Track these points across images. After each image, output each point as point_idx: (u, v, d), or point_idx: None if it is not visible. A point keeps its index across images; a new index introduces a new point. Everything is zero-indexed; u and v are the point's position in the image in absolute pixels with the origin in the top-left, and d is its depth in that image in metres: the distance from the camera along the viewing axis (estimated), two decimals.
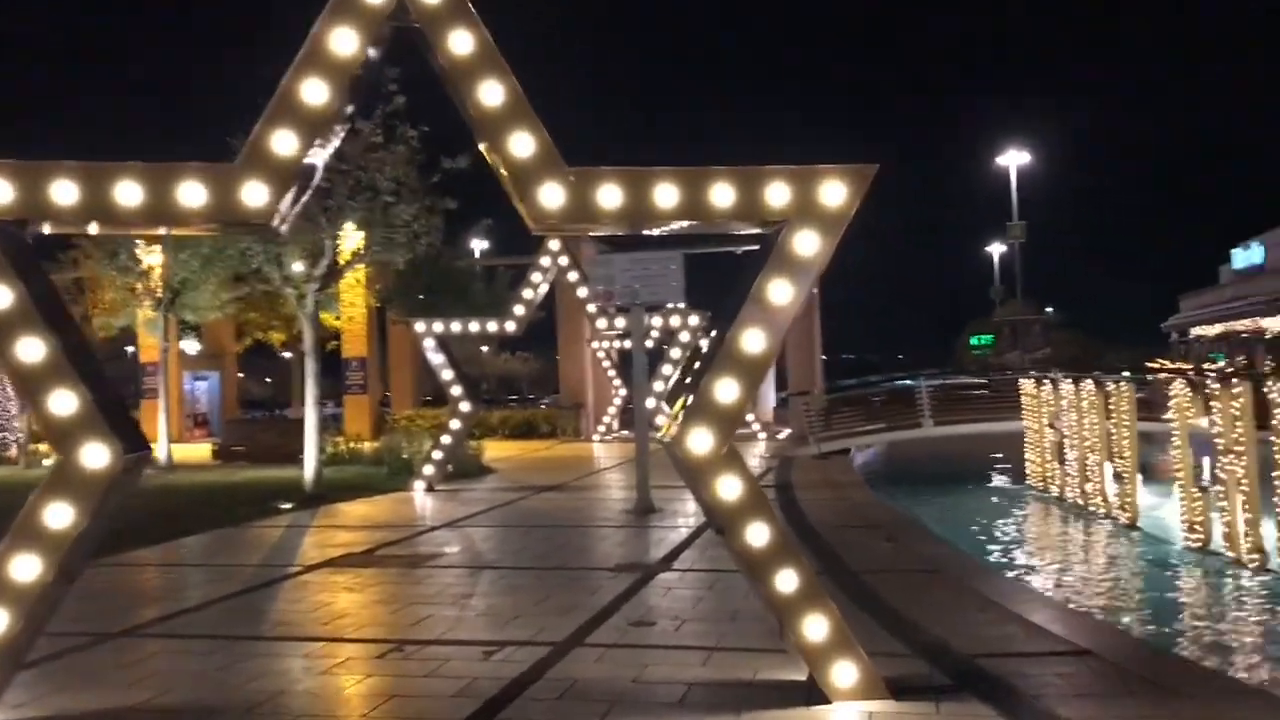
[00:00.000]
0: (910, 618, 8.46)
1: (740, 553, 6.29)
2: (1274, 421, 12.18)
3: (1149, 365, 48.40)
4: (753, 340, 6.16)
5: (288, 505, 16.15)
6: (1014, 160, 64.75)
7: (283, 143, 5.91)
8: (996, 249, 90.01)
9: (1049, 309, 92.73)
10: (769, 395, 35.26)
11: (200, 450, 28.20)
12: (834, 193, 6.17)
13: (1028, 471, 22.61)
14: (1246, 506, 12.98)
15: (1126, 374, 26.71)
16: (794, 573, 6.25)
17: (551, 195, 6.06)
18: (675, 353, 18.87)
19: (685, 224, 6.33)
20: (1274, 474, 12.26)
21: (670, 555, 11.77)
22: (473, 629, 8.23)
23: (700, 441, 6.10)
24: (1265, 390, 12.41)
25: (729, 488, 6.19)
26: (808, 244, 6.17)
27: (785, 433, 32.09)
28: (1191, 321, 53.20)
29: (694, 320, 18.97)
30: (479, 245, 38.62)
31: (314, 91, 5.95)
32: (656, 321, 19.61)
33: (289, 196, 6.03)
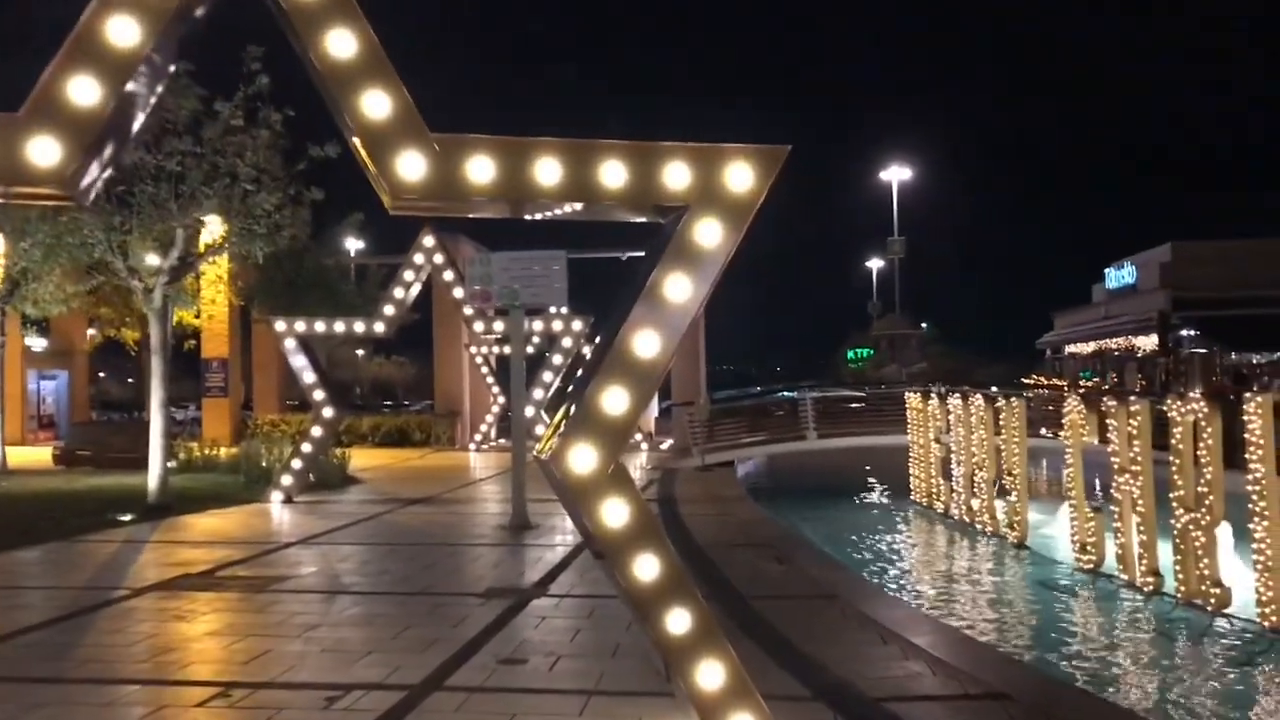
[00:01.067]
0: (808, 652, 7.71)
1: (626, 588, 5.41)
2: (1173, 441, 11.82)
3: (1025, 381, 49.11)
4: (646, 343, 5.29)
5: (127, 517, 14.76)
6: (895, 175, 65.55)
7: (81, 90, 4.84)
8: (875, 264, 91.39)
9: (923, 325, 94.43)
10: (652, 405, 34.53)
11: (41, 454, 26.23)
12: (741, 176, 5.34)
13: (912, 487, 22.25)
14: (1142, 528, 12.60)
15: (1016, 388, 26.71)
16: (687, 612, 5.40)
17: (412, 166, 5.11)
18: (557, 359, 17.93)
19: (571, 208, 5.46)
20: (1171, 495, 11.88)
21: (546, 578, 10.85)
22: (316, 668, 7.19)
23: (583, 459, 5.21)
24: (1165, 409, 12.06)
25: (615, 513, 5.30)
26: (710, 234, 5.33)
27: (668, 443, 31.42)
28: (1065, 339, 54.21)
29: (577, 325, 18.06)
30: (352, 243, 37.08)
31: (122, 30, 4.89)
32: (537, 326, 18.64)
33: (91, 159, 4.96)
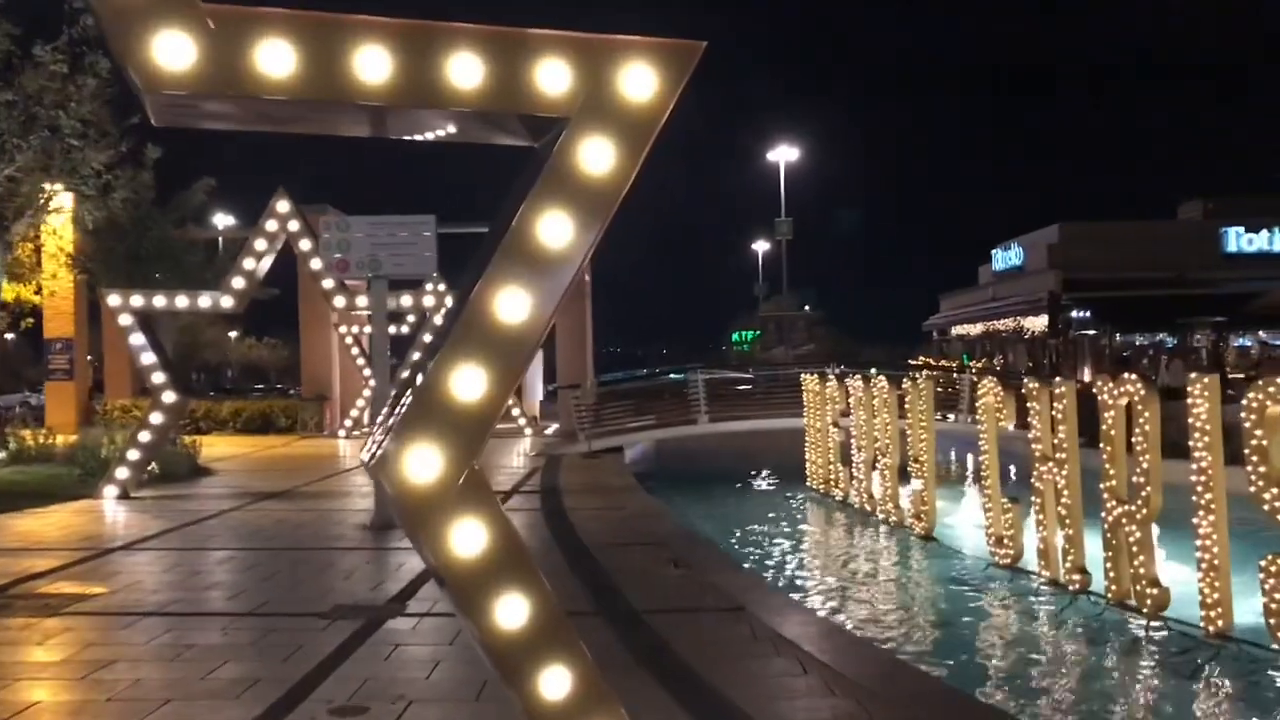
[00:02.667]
0: (717, 685, 6.38)
1: (481, 639, 3.95)
2: (1104, 427, 10.80)
3: (911, 363, 48.81)
4: (511, 306, 3.82)
5: None
6: (783, 156, 64.83)
7: None
8: (762, 246, 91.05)
9: (806, 307, 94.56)
10: (536, 386, 33.02)
11: None
12: (640, 80, 3.89)
13: (808, 473, 21.15)
14: (1067, 521, 11.58)
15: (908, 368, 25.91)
16: (568, 671, 3.99)
17: (174, 49, 3.54)
18: (430, 338, 16.31)
19: (406, 118, 4.00)
20: (1101, 485, 10.86)
21: (406, 591, 9.35)
22: None
23: (421, 465, 3.73)
24: (1096, 392, 11.02)
25: (467, 539, 3.83)
26: (598, 157, 3.88)
27: (553, 428, 29.97)
28: (952, 320, 54.13)
29: (453, 300, 16.46)
30: (221, 218, 34.69)
31: None
32: (407, 301, 16.98)
33: None
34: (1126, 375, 10.69)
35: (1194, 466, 9.68)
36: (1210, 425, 9.53)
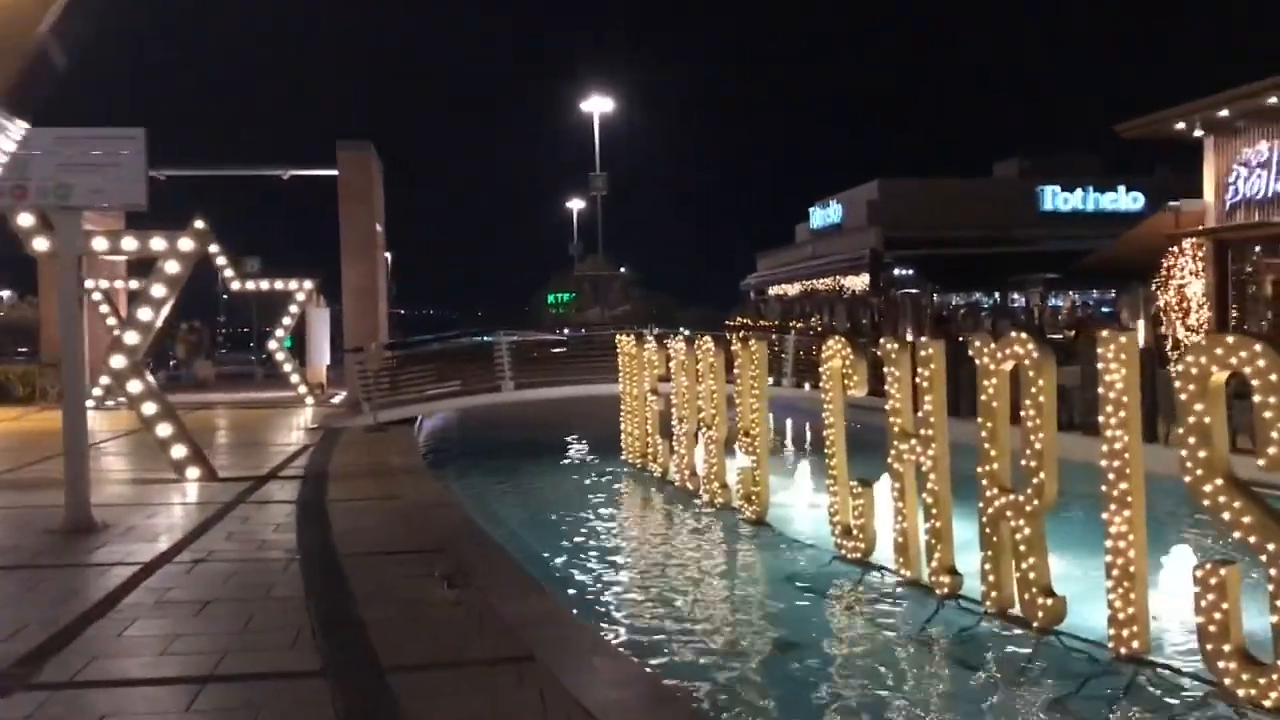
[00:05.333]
0: None
1: None
2: (983, 397, 8.75)
3: (729, 324, 47.27)
4: None
5: None
6: (598, 106, 62.35)
7: None
8: (577, 204, 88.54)
9: (623, 268, 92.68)
10: (323, 348, 29.71)
11: None
12: None
13: (623, 445, 18.84)
14: (934, 511, 9.53)
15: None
16: None
17: None
18: (158, 290, 13.18)
19: None
20: (979, 469, 8.83)
21: (59, 639, 6.56)
22: None
23: None
24: (971, 354, 8.94)
25: None
26: None
27: (340, 397, 26.90)
28: (770, 280, 52.81)
29: (186, 244, 13.30)
30: None
31: None
32: (130, 244, 13.79)
33: None
34: (1015, 334, 8.60)
35: (1104, 449, 7.64)
36: (1128, 397, 7.50)
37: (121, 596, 7.98)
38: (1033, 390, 8.26)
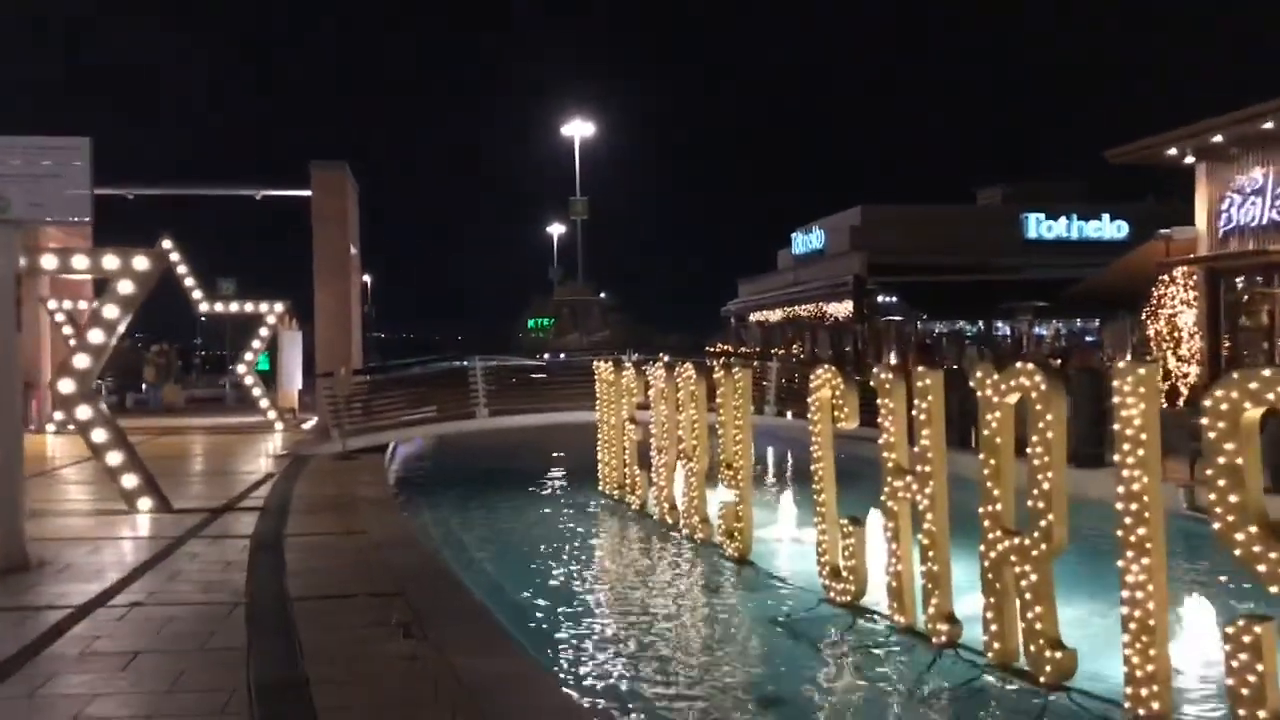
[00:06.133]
0: None
1: None
2: (985, 431, 8.09)
3: (710, 350, 46.67)
4: None
5: None
6: (578, 131, 61.90)
7: None
8: (557, 229, 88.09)
9: (603, 294, 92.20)
10: (294, 373, 28.94)
11: None
12: None
13: (601, 476, 18.16)
14: (931, 554, 8.88)
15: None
16: None
17: None
18: (110, 310, 12.44)
19: None
20: (981, 510, 8.19)
21: None
22: None
23: None
24: (972, 385, 8.31)
25: None
26: None
27: (311, 423, 26.12)
28: (751, 306, 52.24)
29: (142, 263, 12.57)
30: None
31: None
32: (81, 263, 13.06)
33: None
34: (1021, 364, 7.98)
35: (1120, 490, 7.02)
36: (1147, 434, 6.88)
37: (44, 646, 7.25)
38: (1041, 425, 7.64)
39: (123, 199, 25.78)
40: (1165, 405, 18.28)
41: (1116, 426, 7.05)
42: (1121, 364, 7.10)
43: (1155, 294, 22.39)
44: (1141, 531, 6.91)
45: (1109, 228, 40.86)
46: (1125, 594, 7.01)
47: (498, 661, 6.97)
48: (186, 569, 10.04)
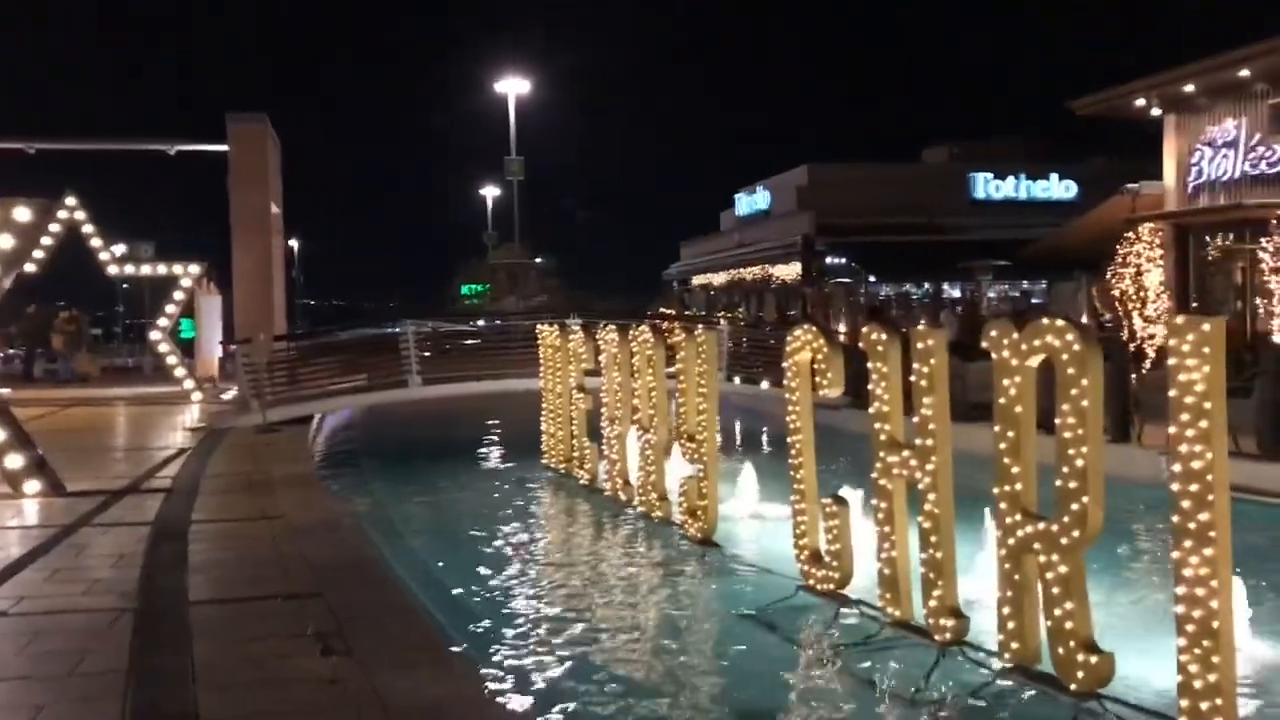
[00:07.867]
0: None
1: None
2: (1000, 401, 6.94)
3: (652, 314, 45.44)
4: None
5: None
6: (513, 88, 60.01)
7: None
8: (491, 191, 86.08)
9: (539, 258, 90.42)
10: (213, 340, 27.24)
11: None
12: None
13: (544, 448, 16.89)
14: (934, 539, 7.77)
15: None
16: None
17: None
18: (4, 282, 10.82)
19: None
20: (996, 490, 7.06)
21: None
22: None
23: None
24: (989, 345, 7.18)
25: None
26: None
27: (232, 393, 24.48)
28: (695, 269, 51.06)
29: (23, 214, 10.96)
30: None
31: None
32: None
33: None
34: (1049, 320, 6.82)
35: (1177, 468, 5.92)
36: (1211, 403, 5.77)
37: None
38: (1074, 392, 6.50)
39: (22, 153, 23.89)
40: (1138, 368, 17.39)
41: (1172, 393, 5.93)
42: (1181, 319, 5.97)
43: (1120, 252, 21.53)
44: (1204, 517, 5.80)
45: (1057, 187, 40.25)
46: (1181, 590, 5.91)
47: (432, 681, 5.71)
48: (70, 566, 8.65)
